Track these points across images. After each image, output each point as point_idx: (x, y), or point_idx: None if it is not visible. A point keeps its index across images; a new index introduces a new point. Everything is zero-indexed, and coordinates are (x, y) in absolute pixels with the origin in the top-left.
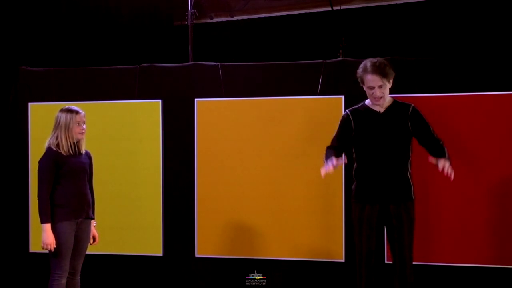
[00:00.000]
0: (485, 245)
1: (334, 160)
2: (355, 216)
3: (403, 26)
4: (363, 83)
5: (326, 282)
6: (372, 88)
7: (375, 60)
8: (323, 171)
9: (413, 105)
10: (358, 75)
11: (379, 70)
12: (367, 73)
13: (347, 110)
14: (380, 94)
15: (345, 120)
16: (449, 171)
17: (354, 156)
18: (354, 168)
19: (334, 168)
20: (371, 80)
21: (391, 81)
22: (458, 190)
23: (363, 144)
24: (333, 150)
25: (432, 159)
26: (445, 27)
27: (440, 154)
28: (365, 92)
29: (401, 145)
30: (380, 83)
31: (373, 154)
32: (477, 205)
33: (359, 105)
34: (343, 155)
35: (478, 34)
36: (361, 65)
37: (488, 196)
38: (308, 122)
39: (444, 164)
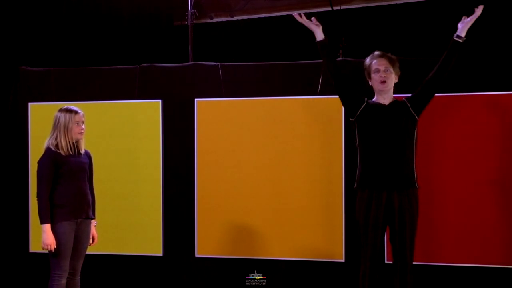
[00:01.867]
0: (486, 245)
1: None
2: (361, 215)
3: (403, 26)
4: (370, 71)
5: (326, 282)
6: (378, 71)
7: None
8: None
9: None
10: (365, 65)
11: (386, 56)
12: (374, 58)
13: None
14: (386, 77)
15: (361, 98)
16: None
17: (357, 141)
18: (358, 153)
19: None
20: (378, 62)
21: (397, 76)
22: (458, 190)
23: (369, 130)
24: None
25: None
26: (445, 27)
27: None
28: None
29: (405, 133)
30: (387, 66)
31: (377, 140)
32: (477, 205)
33: (369, 100)
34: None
35: (478, 34)
36: (368, 56)
37: (489, 196)
38: (308, 122)
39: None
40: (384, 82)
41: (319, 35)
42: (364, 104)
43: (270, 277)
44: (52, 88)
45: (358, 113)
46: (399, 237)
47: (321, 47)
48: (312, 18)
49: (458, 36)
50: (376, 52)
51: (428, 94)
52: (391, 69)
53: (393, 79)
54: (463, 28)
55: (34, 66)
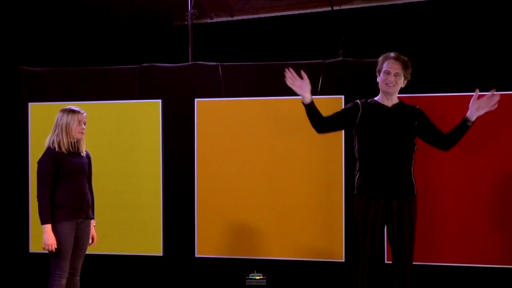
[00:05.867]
0: (485, 245)
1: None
2: (360, 216)
3: (403, 26)
4: (380, 70)
5: (326, 282)
6: (388, 73)
7: None
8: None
9: (417, 106)
10: (378, 62)
11: (401, 59)
12: (389, 58)
13: (357, 100)
14: (393, 81)
15: (353, 106)
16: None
17: (356, 149)
18: (357, 162)
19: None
20: (391, 65)
21: (405, 81)
22: (459, 190)
23: (369, 136)
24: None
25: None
26: (445, 27)
27: (459, 130)
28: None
29: (406, 140)
30: (398, 71)
31: (378, 147)
32: (477, 205)
33: (369, 99)
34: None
35: (478, 34)
36: (383, 54)
37: (489, 196)
38: (308, 122)
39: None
40: (391, 85)
41: (307, 98)
42: (360, 111)
43: (270, 277)
44: (52, 88)
45: (357, 120)
46: (398, 238)
47: (310, 109)
48: (303, 74)
49: (468, 120)
50: (392, 54)
51: (425, 138)
52: (401, 75)
53: (401, 83)
54: (475, 114)
55: (34, 66)
